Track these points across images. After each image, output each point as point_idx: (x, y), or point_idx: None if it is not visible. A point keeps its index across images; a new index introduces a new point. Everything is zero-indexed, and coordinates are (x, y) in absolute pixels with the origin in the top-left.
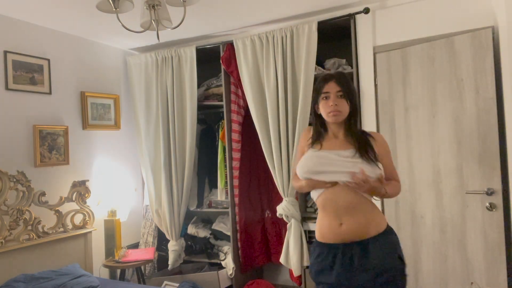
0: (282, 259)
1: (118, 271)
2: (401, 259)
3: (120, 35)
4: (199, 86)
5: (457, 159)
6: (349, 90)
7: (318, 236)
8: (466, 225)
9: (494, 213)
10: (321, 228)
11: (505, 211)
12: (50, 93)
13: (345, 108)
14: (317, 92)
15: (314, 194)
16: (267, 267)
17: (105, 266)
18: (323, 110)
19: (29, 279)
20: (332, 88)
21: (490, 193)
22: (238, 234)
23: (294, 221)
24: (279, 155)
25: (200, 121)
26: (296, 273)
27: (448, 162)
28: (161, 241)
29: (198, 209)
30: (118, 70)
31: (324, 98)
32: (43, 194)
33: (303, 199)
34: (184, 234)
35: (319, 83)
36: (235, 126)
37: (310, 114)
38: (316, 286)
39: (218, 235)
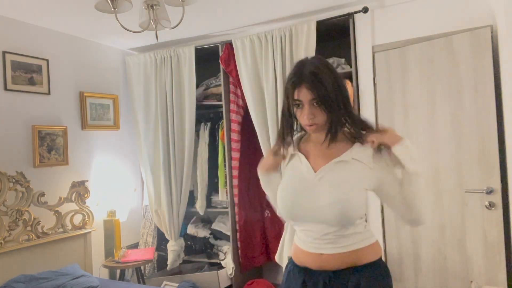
0: (277, 257)
1: (118, 271)
2: None
3: (119, 35)
4: (198, 86)
5: (456, 158)
6: (327, 94)
7: None
8: (465, 224)
9: (493, 212)
10: None
11: (504, 210)
12: (49, 93)
13: (323, 117)
14: (287, 96)
15: None
16: (266, 267)
17: (105, 266)
18: (300, 120)
19: (28, 280)
20: (304, 95)
21: (489, 191)
22: (238, 234)
23: None
24: None
25: (199, 121)
26: None
27: (447, 161)
28: (161, 241)
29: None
30: (117, 70)
31: (297, 106)
32: (42, 194)
33: None
34: (183, 234)
35: (288, 83)
36: (234, 126)
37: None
38: None
39: (217, 235)
